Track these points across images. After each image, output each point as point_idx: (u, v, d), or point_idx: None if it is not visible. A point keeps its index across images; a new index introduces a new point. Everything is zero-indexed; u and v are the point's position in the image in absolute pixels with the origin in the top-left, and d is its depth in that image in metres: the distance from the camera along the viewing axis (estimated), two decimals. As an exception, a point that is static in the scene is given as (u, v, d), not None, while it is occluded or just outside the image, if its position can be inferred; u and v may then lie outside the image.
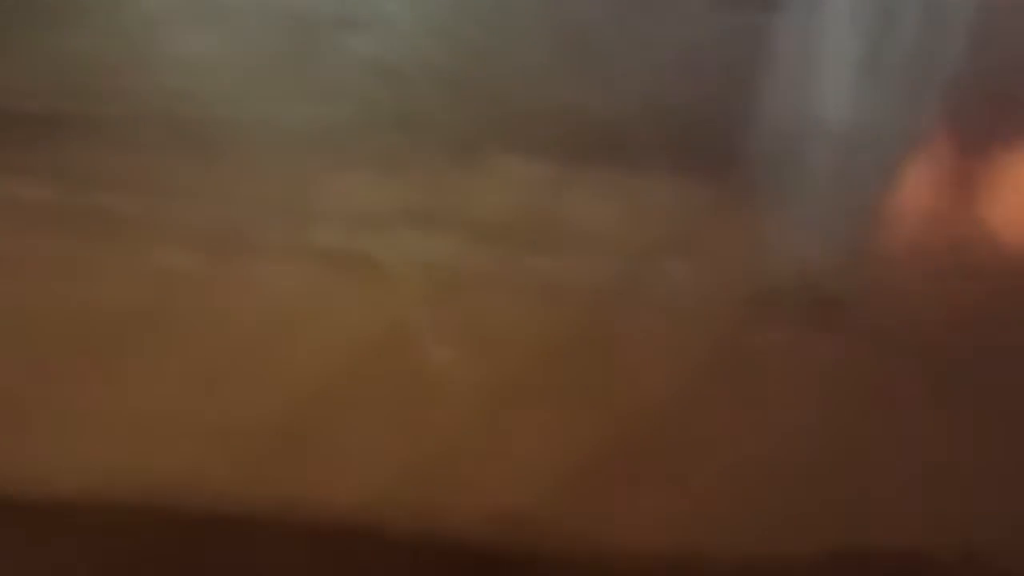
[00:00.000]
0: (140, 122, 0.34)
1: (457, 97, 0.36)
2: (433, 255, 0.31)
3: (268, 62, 0.37)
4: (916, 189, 0.35)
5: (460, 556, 0.24)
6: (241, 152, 0.33)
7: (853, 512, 0.25)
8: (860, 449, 0.27)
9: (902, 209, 0.34)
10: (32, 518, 0.23)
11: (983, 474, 0.26)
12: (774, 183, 0.35)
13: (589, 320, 0.30)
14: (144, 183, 0.32)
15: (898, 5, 0.41)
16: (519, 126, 0.35)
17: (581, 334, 0.29)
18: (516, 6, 0.40)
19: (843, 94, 0.38)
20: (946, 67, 0.39)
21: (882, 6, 0.41)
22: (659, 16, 0.40)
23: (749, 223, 0.33)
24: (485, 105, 0.36)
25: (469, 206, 0.32)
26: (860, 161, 0.35)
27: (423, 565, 0.24)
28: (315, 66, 0.37)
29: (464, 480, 0.25)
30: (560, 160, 0.34)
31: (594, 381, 0.28)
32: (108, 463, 0.24)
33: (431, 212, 0.32)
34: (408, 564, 0.24)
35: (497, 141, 0.35)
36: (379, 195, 0.33)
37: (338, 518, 0.24)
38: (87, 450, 0.25)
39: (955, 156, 0.36)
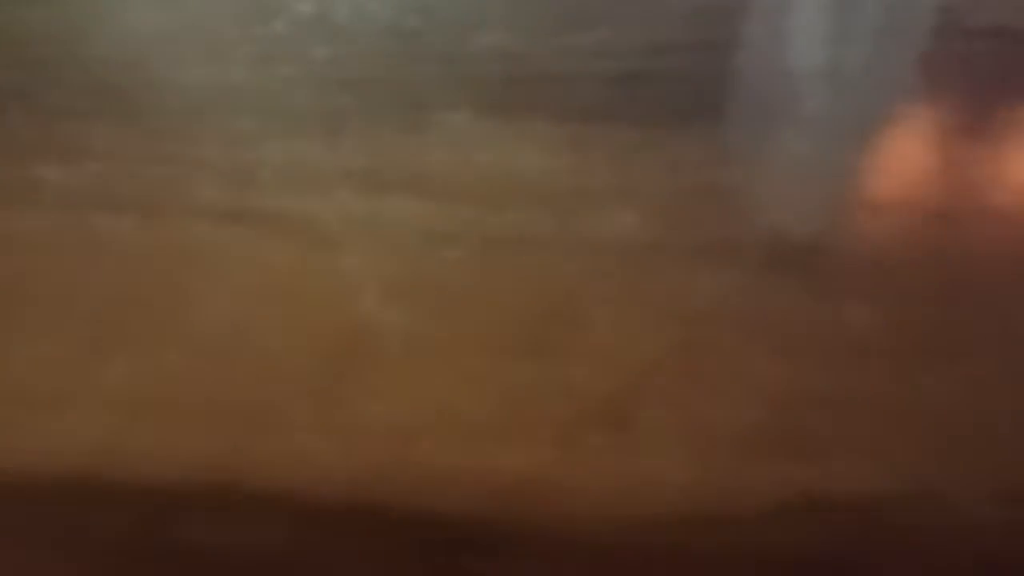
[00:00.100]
0: (77, 91, 0.33)
1: (401, 54, 0.36)
2: (377, 216, 0.30)
3: (210, 26, 0.36)
4: (887, 136, 0.35)
5: (410, 525, 0.24)
6: (181, 117, 0.33)
7: (809, 461, 0.25)
8: (818, 397, 0.26)
9: (868, 157, 0.34)
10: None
11: (941, 417, 0.26)
12: (733, 132, 0.34)
13: (536, 274, 0.29)
14: (79, 151, 0.31)
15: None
16: (464, 81, 0.34)
17: (528, 288, 0.29)
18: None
19: (812, 39, 0.37)
20: (924, 7, 0.39)
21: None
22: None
23: (703, 172, 0.32)
24: (430, 61, 0.35)
25: (413, 165, 0.32)
26: (825, 109, 0.35)
27: (376, 534, 0.24)
28: (258, 29, 0.36)
29: (408, 442, 0.25)
30: (506, 114, 0.34)
31: (541, 333, 0.28)
32: (51, 441, 0.23)
33: (375, 172, 0.32)
34: (361, 532, 0.24)
35: (442, 98, 0.34)
36: (322, 157, 0.32)
37: (286, 491, 0.24)
38: (32, 427, 0.25)
39: (931, 101, 0.36)
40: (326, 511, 0.24)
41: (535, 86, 0.35)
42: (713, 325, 0.28)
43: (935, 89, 0.36)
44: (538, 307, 0.28)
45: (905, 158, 0.33)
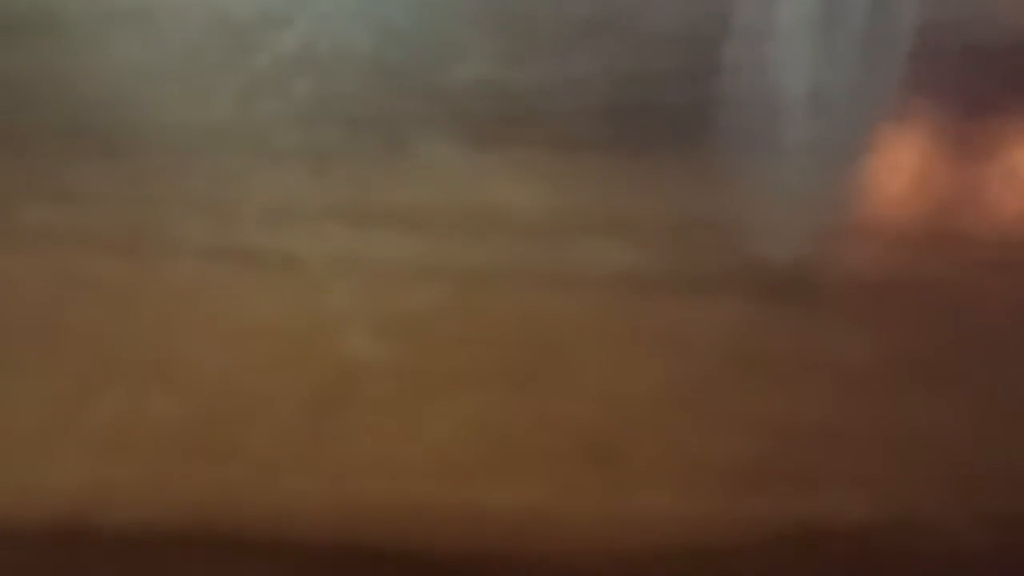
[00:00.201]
0: (61, 132, 0.34)
1: (385, 88, 0.36)
2: (362, 252, 0.30)
3: (193, 64, 0.37)
4: (877, 162, 0.35)
5: (401, 565, 0.24)
6: (164, 156, 0.33)
7: (803, 492, 0.25)
8: (810, 428, 0.26)
9: (859, 183, 0.34)
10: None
11: (935, 444, 0.26)
12: (720, 161, 0.34)
13: (524, 308, 0.29)
14: (63, 191, 0.31)
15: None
16: (445, 111, 0.35)
17: (516, 322, 0.29)
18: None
19: (797, 65, 0.38)
20: (906, 23, 0.39)
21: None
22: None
23: (691, 202, 0.32)
24: (410, 92, 0.35)
25: (398, 200, 0.32)
26: (813, 136, 0.35)
27: (366, 573, 0.24)
28: (241, 66, 0.36)
29: (397, 480, 0.25)
30: (490, 146, 0.34)
31: (531, 368, 0.28)
32: (20, 480, 0.23)
33: (359, 208, 0.32)
34: (351, 572, 0.24)
35: (426, 131, 0.34)
36: (306, 193, 0.32)
37: (274, 532, 0.24)
38: (15, 470, 0.24)
39: (918, 120, 0.36)
40: (315, 551, 0.24)
41: (519, 117, 0.35)
42: (704, 357, 0.28)
43: (924, 113, 0.36)
44: (527, 342, 0.28)
45: (896, 183, 0.33)
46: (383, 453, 0.25)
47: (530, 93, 0.35)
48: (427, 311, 0.28)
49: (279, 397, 0.26)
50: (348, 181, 0.32)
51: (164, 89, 0.35)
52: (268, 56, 0.37)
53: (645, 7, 0.38)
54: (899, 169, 0.33)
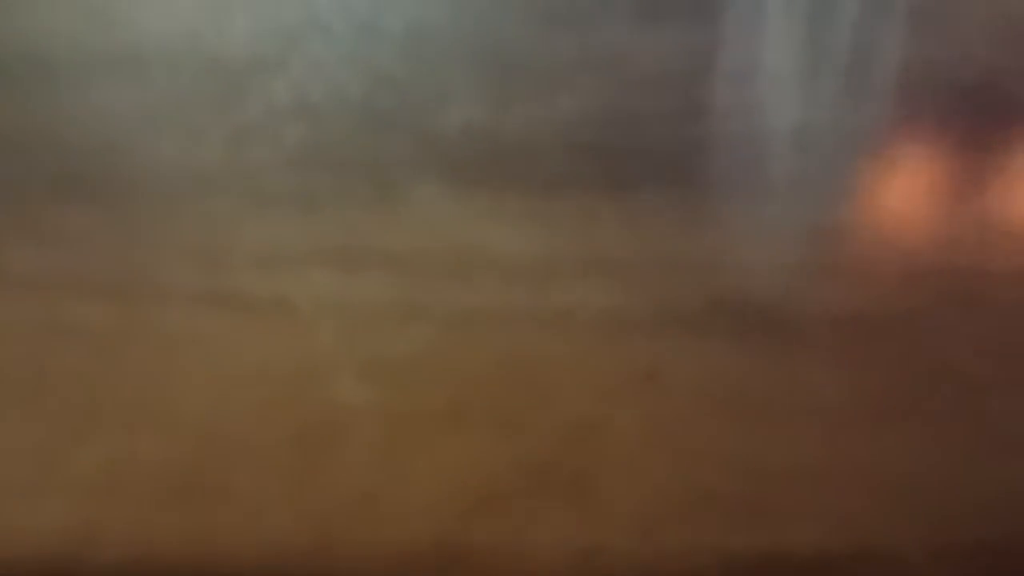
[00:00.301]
0: (53, 177, 0.34)
1: (374, 132, 0.37)
2: (350, 294, 0.31)
3: (185, 109, 0.37)
4: (852, 200, 0.36)
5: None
6: (156, 201, 0.34)
7: (765, 526, 0.26)
8: (774, 462, 0.27)
9: (833, 221, 0.35)
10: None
11: (895, 478, 0.27)
12: (696, 199, 0.35)
13: (505, 346, 0.30)
14: (54, 237, 0.32)
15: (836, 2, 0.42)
16: (433, 155, 0.35)
17: (497, 361, 0.29)
18: (433, 32, 0.40)
19: (775, 103, 0.38)
20: (890, 62, 0.40)
21: (822, 3, 0.41)
22: (581, 35, 0.40)
23: (668, 240, 0.33)
24: (402, 138, 0.36)
25: (386, 243, 0.33)
26: (788, 174, 0.36)
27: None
28: (233, 111, 0.37)
29: (381, 520, 0.26)
30: (475, 188, 0.35)
31: (510, 406, 0.28)
32: (10, 522, 0.24)
33: (348, 251, 0.32)
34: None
35: (414, 174, 0.35)
36: (296, 237, 0.33)
37: (246, 565, 0.24)
38: (4, 515, 0.25)
39: (891, 160, 0.36)
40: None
41: (503, 158, 0.36)
42: (680, 395, 0.28)
43: (897, 153, 0.37)
44: (508, 382, 0.29)
45: (870, 223, 0.34)
46: (367, 494, 0.26)
47: (517, 136, 0.36)
48: (412, 353, 0.29)
49: (266, 440, 0.27)
50: (337, 225, 0.33)
51: (155, 135, 0.36)
52: (260, 102, 0.37)
53: (628, 50, 0.38)
54: (873, 209, 0.34)
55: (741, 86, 0.38)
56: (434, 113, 0.37)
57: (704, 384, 0.29)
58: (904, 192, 0.35)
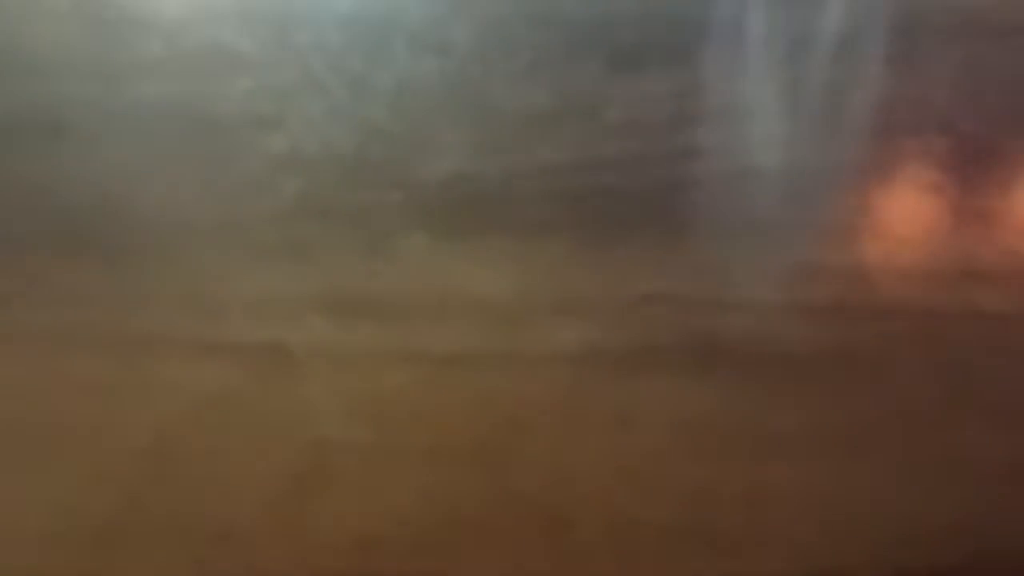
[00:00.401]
0: (61, 236, 0.37)
1: (365, 183, 0.39)
2: (340, 341, 0.33)
3: (186, 165, 0.40)
4: (809, 236, 0.37)
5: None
6: (155, 254, 0.36)
7: (727, 553, 0.27)
8: (737, 493, 0.29)
9: (798, 262, 0.36)
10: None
11: (849, 506, 0.28)
12: (667, 238, 0.37)
13: (485, 387, 0.32)
14: (63, 295, 0.34)
15: (812, 43, 0.43)
16: (419, 204, 0.37)
17: (477, 401, 0.31)
18: (421, 86, 0.42)
19: (744, 146, 0.40)
20: (867, 100, 0.41)
21: (795, 46, 0.43)
22: (559, 84, 0.42)
23: (640, 282, 0.35)
24: (391, 189, 0.38)
25: (374, 290, 0.35)
26: (753, 212, 0.38)
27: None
28: (232, 166, 0.39)
29: (367, 554, 0.28)
30: (459, 235, 0.36)
31: (489, 444, 0.30)
32: (24, 572, 0.26)
33: (338, 300, 0.34)
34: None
35: (401, 224, 0.37)
36: (289, 287, 0.35)
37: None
38: (20, 562, 0.27)
39: (872, 201, 0.38)
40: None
41: (488, 207, 0.38)
42: (648, 431, 0.30)
43: (869, 194, 0.38)
44: (487, 421, 0.31)
45: (838, 261, 0.36)
46: (355, 530, 0.28)
47: (498, 183, 0.38)
48: (397, 395, 0.31)
49: (261, 483, 0.29)
50: (328, 274, 0.35)
51: (158, 191, 0.38)
52: (257, 157, 0.40)
53: (605, 97, 0.40)
54: (841, 248, 0.36)
55: (714, 130, 0.40)
56: (421, 164, 0.39)
57: (674, 420, 0.30)
58: (872, 232, 0.37)
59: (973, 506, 0.28)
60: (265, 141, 0.41)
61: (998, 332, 0.33)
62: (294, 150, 0.40)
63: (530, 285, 0.35)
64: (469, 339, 0.33)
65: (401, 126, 0.41)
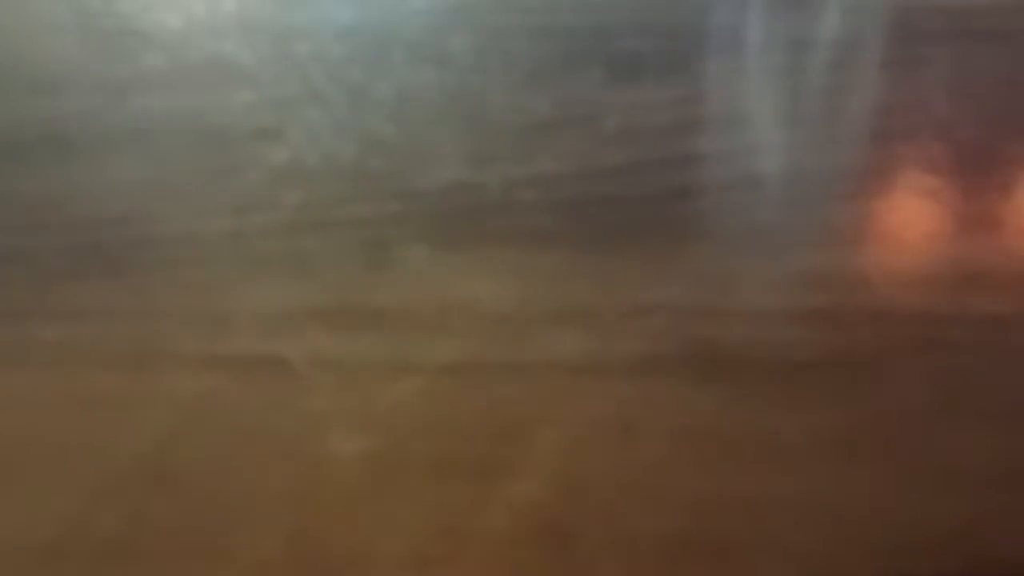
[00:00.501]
0: (69, 251, 0.37)
1: (365, 194, 0.39)
2: (342, 353, 0.33)
3: (190, 180, 0.40)
4: (810, 243, 0.37)
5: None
6: (162, 268, 0.36)
7: (730, 564, 0.28)
8: (739, 502, 0.29)
9: (793, 269, 0.36)
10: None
11: (851, 514, 0.29)
12: (667, 246, 0.37)
13: (486, 398, 0.32)
14: (72, 311, 0.34)
15: (810, 50, 0.43)
16: (420, 214, 0.38)
17: (478, 412, 0.32)
18: (421, 96, 0.43)
19: (742, 154, 0.40)
20: (866, 106, 0.41)
21: (793, 54, 0.43)
22: (558, 93, 0.42)
23: (639, 291, 0.35)
24: (392, 199, 0.38)
25: (375, 302, 0.35)
26: (752, 224, 0.38)
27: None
28: (234, 179, 0.40)
29: (369, 570, 0.28)
30: (459, 246, 0.37)
31: (490, 456, 0.30)
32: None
33: (340, 312, 0.35)
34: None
35: (402, 234, 0.37)
36: (292, 299, 0.35)
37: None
38: None
39: (869, 207, 0.38)
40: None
41: (488, 217, 0.38)
42: (647, 439, 0.30)
43: (867, 200, 0.38)
44: (489, 431, 0.31)
45: (837, 268, 0.36)
46: (358, 546, 0.28)
47: (498, 193, 0.38)
48: (399, 407, 0.31)
49: (265, 497, 0.29)
50: (331, 286, 0.35)
51: (163, 205, 0.39)
52: (259, 170, 0.40)
53: (604, 106, 0.41)
54: (840, 255, 0.36)
55: (713, 138, 0.40)
56: (420, 175, 0.39)
57: (676, 429, 0.31)
58: (871, 238, 0.37)
59: (975, 512, 0.28)
60: (266, 153, 0.41)
61: (999, 337, 0.33)
62: (294, 161, 0.40)
63: (530, 295, 0.35)
64: (469, 350, 0.33)
65: (401, 137, 0.41)
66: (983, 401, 0.31)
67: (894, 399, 0.31)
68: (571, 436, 0.31)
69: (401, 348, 0.33)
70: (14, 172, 0.41)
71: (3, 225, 0.38)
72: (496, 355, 0.33)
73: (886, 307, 0.34)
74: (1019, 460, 0.30)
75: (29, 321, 0.34)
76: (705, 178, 0.39)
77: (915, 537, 0.28)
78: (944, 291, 0.34)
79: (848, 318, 0.33)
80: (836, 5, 0.44)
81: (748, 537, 0.28)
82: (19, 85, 0.46)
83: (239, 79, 0.43)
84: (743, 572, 0.27)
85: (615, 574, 0.27)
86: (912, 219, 0.37)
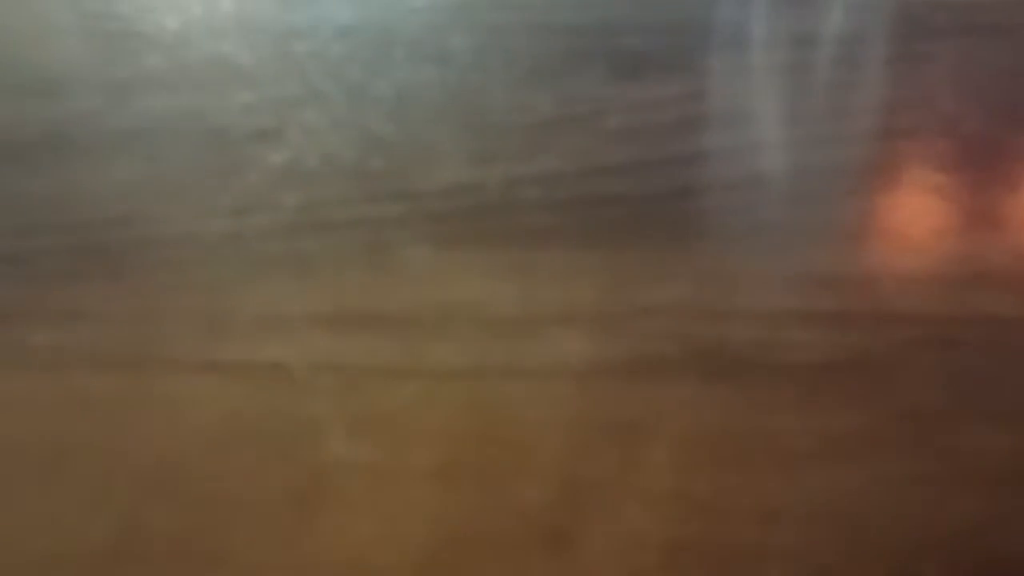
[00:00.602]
0: (67, 253, 0.37)
1: (366, 195, 0.39)
2: (342, 356, 0.33)
3: (190, 181, 0.40)
4: (815, 242, 0.37)
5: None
6: (163, 272, 0.36)
7: (738, 570, 0.27)
8: (746, 507, 0.28)
9: (800, 270, 0.36)
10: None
11: (861, 518, 0.28)
12: (669, 245, 0.37)
13: (487, 400, 0.31)
14: (69, 313, 0.34)
15: (814, 47, 0.43)
16: (423, 217, 0.37)
17: (480, 414, 0.31)
18: (421, 94, 0.42)
19: (746, 153, 0.40)
20: (871, 103, 0.41)
21: (797, 51, 0.43)
22: (559, 92, 0.42)
23: (641, 291, 0.35)
24: (393, 200, 0.38)
25: (376, 304, 0.35)
26: (758, 224, 0.37)
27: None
28: (234, 181, 0.39)
29: (360, 573, 0.27)
30: (461, 246, 0.36)
31: (492, 458, 0.30)
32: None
33: (340, 314, 0.34)
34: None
35: (403, 235, 0.37)
36: (291, 301, 0.35)
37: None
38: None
39: (875, 206, 0.38)
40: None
41: (489, 216, 0.37)
42: (651, 441, 0.30)
43: (872, 199, 0.38)
44: (491, 434, 0.30)
45: (842, 267, 0.35)
46: (356, 552, 0.28)
47: (499, 192, 0.38)
48: (399, 410, 0.31)
49: (262, 502, 0.28)
50: (330, 288, 0.35)
51: (163, 207, 0.38)
52: (259, 171, 0.39)
53: (605, 105, 0.40)
54: (845, 254, 0.35)
55: (717, 136, 0.40)
56: (421, 175, 0.39)
57: (681, 432, 0.30)
58: (878, 237, 0.36)
59: (985, 514, 0.28)
60: (266, 153, 0.40)
61: (1009, 337, 0.32)
62: (295, 162, 0.40)
63: (533, 295, 0.34)
64: (472, 351, 0.32)
65: (401, 136, 0.41)
66: (994, 402, 0.30)
67: (903, 400, 0.30)
68: (572, 439, 0.30)
69: (403, 351, 0.33)
70: (14, 173, 0.40)
71: (1, 225, 0.38)
72: (499, 358, 0.33)
73: (894, 307, 0.33)
74: (1030, 461, 0.29)
75: (27, 323, 0.34)
76: (709, 176, 0.38)
77: (925, 539, 0.27)
78: (953, 290, 0.34)
79: (856, 319, 0.33)
80: (840, 1, 0.43)
81: (756, 541, 0.27)
82: (19, 86, 0.45)
83: (239, 79, 0.43)
84: (746, 574, 0.27)
85: (619, 579, 0.27)
86: (920, 217, 0.37)
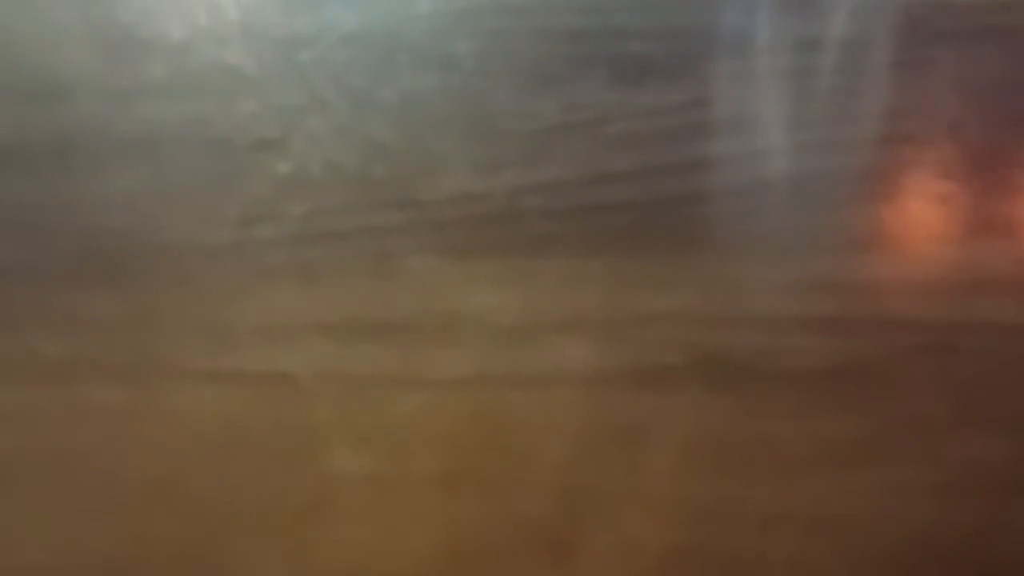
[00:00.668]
0: (71, 262, 0.37)
1: (370, 204, 0.39)
2: (346, 366, 0.33)
3: (195, 190, 0.40)
4: (816, 250, 0.37)
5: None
6: (165, 279, 0.36)
7: (736, 575, 0.27)
8: (746, 513, 0.28)
9: (800, 277, 0.36)
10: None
11: (858, 522, 0.28)
12: (673, 253, 0.37)
13: (489, 409, 0.32)
14: (74, 322, 0.34)
15: (818, 53, 0.43)
16: (427, 226, 0.37)
17: (482, 423, 0.31)
18: (424, 101, 0.42)
19: (746, 159, 0.40)
20: (876, 109, 0.41)
21: (801, 57, 0.43)
22: (562, 99, 0.42)
23: (643, 299, 0.35)
24: (396, 209, 0.38)
25: (380, 313, 0.35)
26: (758, 231, 0.37)
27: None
28: (239, 190, 0.39)
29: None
30: (464, 255, 0.36)
31: (494, 467, 0.30)
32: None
33: (345, 324, 0.34)
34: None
35: (407, 244, 0.37)
36: (296, 311, 0.35)
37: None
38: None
39: (877, 213, 0.38)
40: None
41: (493, 225, 0.38)
42: (658, 449, 0.30)
43: (874, 206, 0.38)
44: (493, 443, 0.31)
45: (844, 274, 0.35)
46: (359, 560, 0.28)
47: (504, 200, 0.38)
48: (403, 420, 0.31)
49: (266, 511, 0.28)
50: (334, 297, 0.35)
51: (167, 216, 0.39)
52: (262, 179, 0.40)
53: (608, 111, 0.40)
54: (847, 261, 0.35)
55: (721, 142, 0.39)
56: (426, 182, 0.39)
57: (684, 439, 0.30)
58: (880, 243, 0.36)
59: (985, 520, 0.28)
60: (270, 163, 0.41)
61: (1009, 343, 0.32)
62: (299, 171, 0.40)
63: (537, 304, 0.34)
64: (476, 360, 0.33)
65: (405, 144, 0.41)
66: (994, 409, 0.30)
67: (904, 407, 0.30)
68: (575, 447, 0.30)
69: (407, 360, 0.33)
70: (16, 181, 0.40)
71: (4, 234, 0.38)
72: (503, 367, 0.33)
73: (896, 314, 0.33)
74: (1033, 468, 0.29)
75: (30, 333, 0.34)
76: (713, 183, 0.38)
77: (926, 544, 0.27)
78: (954, 297, 0.34)
79: (858, 325, 0.33)
80: (845, 6, 0.43)
81: (757, 547, 0.27)
82: (22, 93, 0.46)
83: (243, 87, 0.43)
84: (752, 585, 0.27)
85: (622, 588, 0.27)
86: (923, 223, 0.37)
